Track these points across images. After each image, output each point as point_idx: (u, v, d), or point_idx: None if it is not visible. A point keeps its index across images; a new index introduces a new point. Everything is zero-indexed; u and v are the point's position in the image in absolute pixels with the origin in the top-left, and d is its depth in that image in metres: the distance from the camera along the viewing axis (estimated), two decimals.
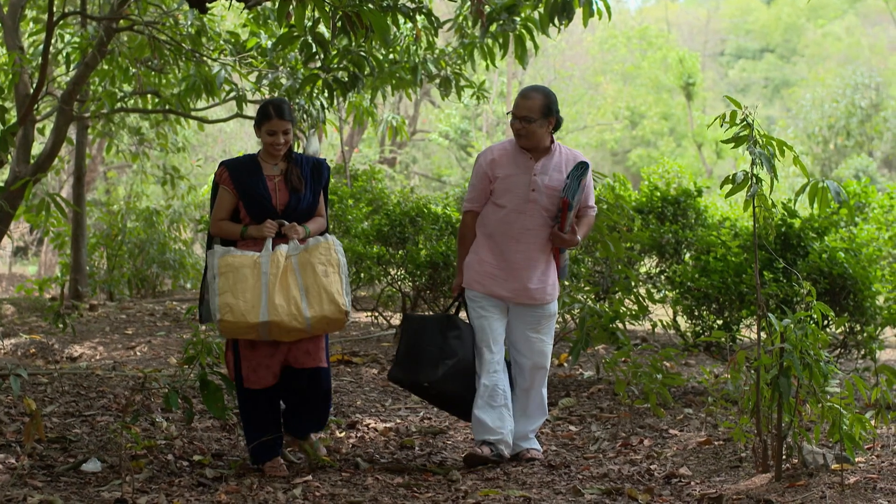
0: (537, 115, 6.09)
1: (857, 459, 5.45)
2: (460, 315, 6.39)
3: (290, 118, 5.89)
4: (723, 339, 8.94)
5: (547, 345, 6.32)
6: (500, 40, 9.14)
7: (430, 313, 6.46)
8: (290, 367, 5.86)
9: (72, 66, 11.40)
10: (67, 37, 11.62)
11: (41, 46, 11.03)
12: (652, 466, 6.03)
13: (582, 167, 6.11)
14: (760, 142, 5.37)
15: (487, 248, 6.23)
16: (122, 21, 10.31)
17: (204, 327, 7.19)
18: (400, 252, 10.92)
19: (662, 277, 11.08)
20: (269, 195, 5.87)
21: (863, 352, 8.89)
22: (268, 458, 5.86)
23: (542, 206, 6.14)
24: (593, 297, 9.38)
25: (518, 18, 8.85)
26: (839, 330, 8.95)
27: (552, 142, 6.25)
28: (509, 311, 6.28)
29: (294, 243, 5.83)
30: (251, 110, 12.81)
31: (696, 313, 9.26)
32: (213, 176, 6.37)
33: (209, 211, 6.17)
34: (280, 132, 5.84)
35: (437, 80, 10.84)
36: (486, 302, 6.22)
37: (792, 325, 5.23)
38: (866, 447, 5.81)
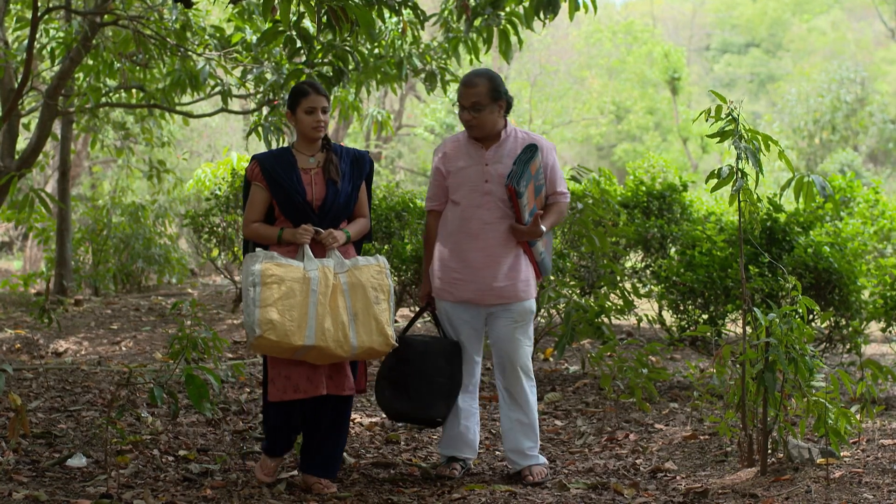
0: (486, 100, 5.59)
1: (842, 454, 5.47)
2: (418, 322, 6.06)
3: (325, 94, 5.45)
4: (708, 334, 8.97)
5: (524, 346, 5.78)
6: (485, 35, 9.12)
7: (434, 336, 6.05)
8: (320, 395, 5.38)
9: (56, 61, 11.39)
10: (52, 31, 11.59)
11: (26, 41, 11.02)
12: (637, 461, 6.04)
13: (530, 150, 5.60)
14: (746, 136, 5.36)
15: (448, 249, 5.72)
16: (106, 16, 10.30)
17: (189, 322, 7.17)
18: (386, 247, 10.91)
19: (648, 272, 11.09)
20: (302, 189, 5.38)
21: (848, 346, 8.91)
22: (276, 454, 5.54)
23: (500, 197, 5.62)
24: (578, 291, 9.39)
25: (503, 13, 8.82)
26: (824, 324, 8.97)
27: (505, 125, 5.76)
28: (485, 315, 5.77)
29: (338, 259, 5.37)
30: (236, 105, 12.80)
31: (682, 308, 9.27)
32: (242, 172, 5.99)
33: (242, 209, 5.76)
34: (319, 109, 5.39)
35: (423, 75, 10.82)
36: (458, 315, 5.76)
37: (777, 320, 5.23)
38: (851, 441, 5.83)
